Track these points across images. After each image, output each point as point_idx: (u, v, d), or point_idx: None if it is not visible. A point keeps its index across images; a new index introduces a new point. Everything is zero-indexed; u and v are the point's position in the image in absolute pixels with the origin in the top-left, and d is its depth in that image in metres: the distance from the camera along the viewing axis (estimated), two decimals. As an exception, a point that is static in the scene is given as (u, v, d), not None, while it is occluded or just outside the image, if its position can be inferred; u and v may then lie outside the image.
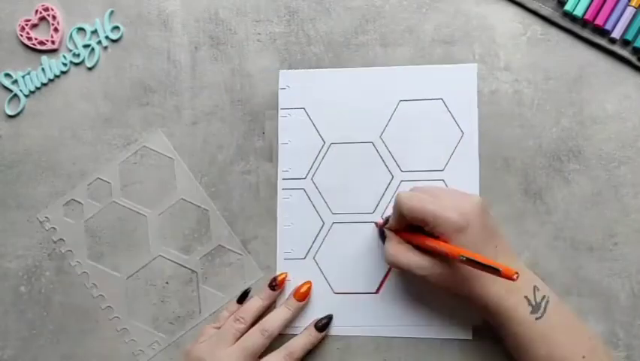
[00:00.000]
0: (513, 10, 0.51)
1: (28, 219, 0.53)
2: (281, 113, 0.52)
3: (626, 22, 0.49)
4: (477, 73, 0.51)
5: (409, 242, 0.45)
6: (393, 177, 0.51)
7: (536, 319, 0.42)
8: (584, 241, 0.50)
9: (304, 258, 0.51)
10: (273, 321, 0.48)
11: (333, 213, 0.51)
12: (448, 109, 0.50)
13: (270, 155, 0.52)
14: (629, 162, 0.50)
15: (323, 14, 0.53)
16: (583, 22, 0.50)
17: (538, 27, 0.51)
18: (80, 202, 0.53)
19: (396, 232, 0.46)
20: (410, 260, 0.44)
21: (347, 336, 0.50)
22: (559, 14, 0.50)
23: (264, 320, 0.49)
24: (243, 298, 0.50)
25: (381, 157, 0.51)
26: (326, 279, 0.51)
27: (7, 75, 0.54)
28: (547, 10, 0.51)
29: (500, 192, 0.50)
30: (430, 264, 0.43)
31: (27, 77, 0.53)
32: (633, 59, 0.50)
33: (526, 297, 0.43)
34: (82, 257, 0.52)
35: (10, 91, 0.54)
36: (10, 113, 0.54)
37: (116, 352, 0.52)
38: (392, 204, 0.49)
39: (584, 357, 0.42)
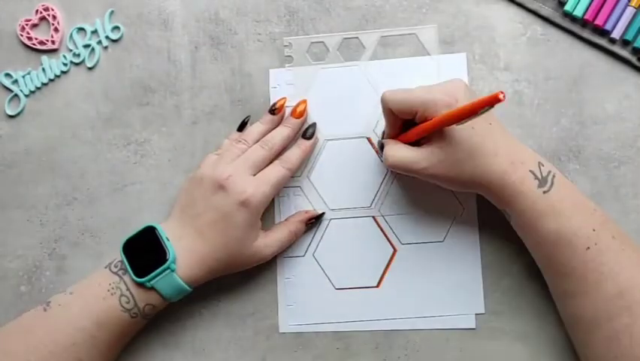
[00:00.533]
0: (513, 10, 0.51)
1: (28, 219, 0.53)
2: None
3: (626, 23, 0.49)
4: (467, 63, 0.51)
5: (406, 143, 0.45)
6: (388, 170, 0.51)
7: (544, 192, 0.42)
8: (584, 241, 0.50)
9: (304, 255, 0.51)
10: (273, 136, 0.49)
11: (331, 210, 0.51)
12: None
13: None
14: (629, 162, 0.50)
15: (323, 14, 0.53)
16: (583, 22, 0.50)
17: (538, 27, 0.51)
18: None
19: (393, 138, 0.47)
20: (409, 157, 0.44)
21: (347, 336, 0.50)
22: (559, 14, 0.51)
23: (264, 137, 0.49)
24: (242, 126, 0.51)
25: (376, 151, 0.51)
26: (327, 275, 0.51)
27: (8, 75, 0.54)
28: (547, 10, 0.51)
29: (500, 192, 0.50)
30: (429, 153, 0.43)
31: (27, 77, 0.54)
32: (633, 59, 0.50)
33: (531, 171, 0.42)
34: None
35: (11, 91, 0.54)
36: (10, 113, 0.54)
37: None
38: (387, 195, 0.50)
39: (594, 230, 0.41)
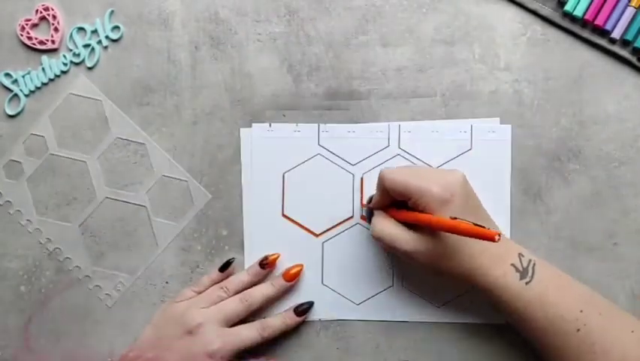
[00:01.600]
0: (513, 10, 0.51)
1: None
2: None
3: (626, 23, 0.49)
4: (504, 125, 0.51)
5: (394, 219, 0.45)
6: (353, 175, 0.51)
7: (526, 283, 0.42)
8: (584, 241, 0.50)
9: (315, 284, 0.51)
10: (255, 293, 0.49)
11: (318, 236, 0.51)
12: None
13: (270, 155, 0.52)
14: (629, 162, 0.50)
15: (323, 14, 0.53)
16: (583, 22, 0.50)
17: (538, 27, 0.51)
18: (18, 161, 0.53)
19: (382, 209, 0.46)
20: (396, 235, 0.44)
21: (347, 336, 0.50)
22: (559, 14, 0.50)
23: (247, 290, 0.49)
24: (225, 267, 0.51)
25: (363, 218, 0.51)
26: (344, 297, 0.51)
27: (7, 75, 0.54)
28: (547, 11, 0.51)
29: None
30: (416, 238, 0.43)
31: (27, 76, 0.53)
32: (633, 59, 0.50)
33: (512, 265, 0.43)
34: (31, 215, 0.53)
35: (10, 91, 0.54)
36: (10, 112, 0.54)
37: (116, 352, 0.52)
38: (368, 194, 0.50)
39: (581, 311, 0.42)
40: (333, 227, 0.51)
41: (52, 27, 0.53)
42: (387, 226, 0.44)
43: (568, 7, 0.50)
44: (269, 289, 0.49)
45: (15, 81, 0.54)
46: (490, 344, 0.49)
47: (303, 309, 0.50)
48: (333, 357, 0.50)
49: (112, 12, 0.53)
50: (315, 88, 0.52)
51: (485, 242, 0.41)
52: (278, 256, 0.50)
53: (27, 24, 0.53)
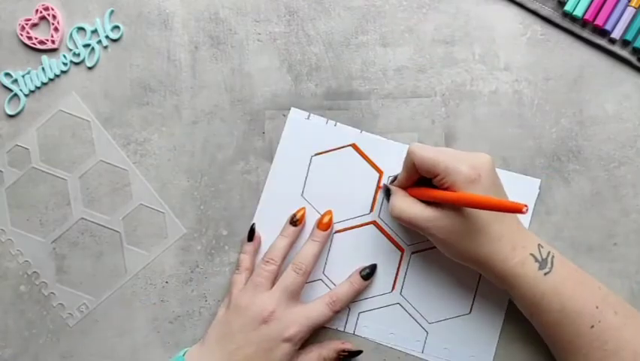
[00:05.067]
0: (513, 11, 0.51)
1: (28, 218, 0.53)
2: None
3: (626, 23, 0.49)
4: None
5: (416, 198, 0.45)
6: (379, 175, 0.51)
7: (545, 274, 0.42)
8: (584, 241, 0.50)
9: (317, 279, 0.51)
10: (304, 257, 0.48)
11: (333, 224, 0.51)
12: None
13: (271, 155, 0.52)
14: (629, 162, 0.50)
15: (323, 14, 0.53)
16: (583, 22, 0.50)
17: (538, 27, 0.51)
18: (0, 170, 0.53)
19: (403, 188, 0.46)
20: (416, 212, 0.43)
21: (347, 336, 0.50)
22: (559, 14, 0.50)
23: (295, 258, 0.49)
24: (251, 235, 0.50)
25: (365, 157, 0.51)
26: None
27: (7, 75, 0.54)
28: (547, 11, 0.51)
29: (500, 192, 0.50)
30: (436, 215, 0.43)
31: (27, 76, 0.53)
32: (633, 59, 0.50)
33: (531, 254, 0.43)
34: (5, 225, 0.53)
35: (10, 90, 0.54)
36: (10, 112, 0.54)
37: (116, 352, 0.52)
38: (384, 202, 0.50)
39: (597, 307, 0.42)
40: (347, 220, 0.51)
41: (52, 27, 0.53)
42: (407, 204, 0.44)
43: (568, 7, 0.50)
44: (314, 246, 0.49)
45: (15, 81, 0.54)
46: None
47: (368, 273, 0.49)
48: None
49: (112, 12, 0.53)
50: (315, 88, 0.52)
51: (505, 228, 0.41)
52: (304, 210, 0.50)
53: (27, 24, 0.53)
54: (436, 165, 0.42)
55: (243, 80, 0.53)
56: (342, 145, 0.51)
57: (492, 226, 0.42)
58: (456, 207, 0.42)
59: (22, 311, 0.53)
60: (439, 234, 0.43)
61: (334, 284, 0.50)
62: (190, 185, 0.52)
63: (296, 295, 0.48)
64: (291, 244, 0.50)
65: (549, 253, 0.43)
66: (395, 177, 0.49)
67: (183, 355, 0.48)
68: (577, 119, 0.50)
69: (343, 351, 0.49)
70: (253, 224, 0.51)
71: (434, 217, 0.43)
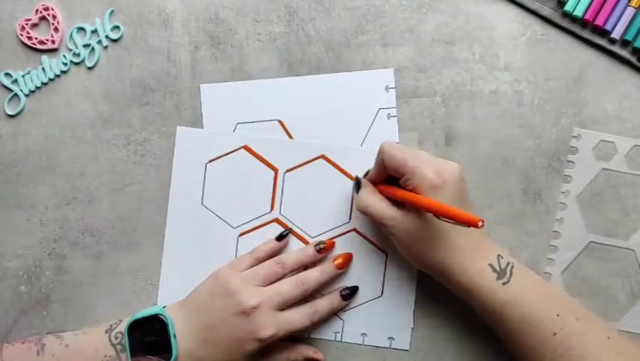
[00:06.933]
0: (513, 10, 0.51)
1: (28, 218, 0.53)
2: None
3: (626, 23, 0.49)
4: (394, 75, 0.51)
5: (384, 195, 0.46)
6: (275, 172, 0.51)
7: (504, 284, 0.42)
8: (584, 241, 0.50)
9: None
10: (310, 279, 0.48)
11: (312, 237, 0.51)
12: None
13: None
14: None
15: (323, 14, 0.53)
16: (583, 22, 0.50)
17: (538, 27, 0.51)
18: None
19: (373, 183, 0.47)
20: (381, 209, 0.44)
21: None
22: (559, 14, 0.50)
23: (301, 273, 0.49)
24: (281, 237, 0.50)
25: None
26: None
27: (7, 75, 0.54)
28: (547, 11, 0.51)
29: (500, 192, 0.50)
30: (398, 215, 0.44)
31: (27, 76, 0.53)
32: (633, 59, 0.50)
33: (490, 265, 0.43)
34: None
35: (10, 90, 0.54)
36: (10, 112, 0.54)
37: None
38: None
39: (558, 315, 0.42)
40: (250, 221, 0.51)
41: (52, 27, 0.53)
42: (373, 200, 0.45)
43: (568, 7, 0.50)
44: (323, 276, 0.49)
45: (15, 81, 0.53)
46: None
47: (348, 293, 0.50)
48: (332, 357, 0.50)
49: (112, 12, 0.53)
50: (315, 88, 0.52)
51: (465, 238, 0.42)
52: (334, 243, 0.50)
53: (27, 24, 0.53)
54: (403, 165, 0.43)
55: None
56: (233, 149, 0.52)
57: (452, 234, 0.43)
58: (420, 210, 0.43)
59: (22, 311, 0.53)
60: (400, 234, 0.44)
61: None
62: (190, 185, 0.52)
63: (285, 306, 0.47)
64: (306, 264, 0.50)
65: (508, 263, 0.43)
66: (367, 172, 0.49)
67: (163, 307, 0.48)
68: (577, 119, 0.50)
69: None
70: (288, 229, 0.51)
71: (397, 217, 0.44)
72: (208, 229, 0.51)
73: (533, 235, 0.50)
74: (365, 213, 0.45)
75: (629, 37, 0.49)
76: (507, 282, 0.43)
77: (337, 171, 0.51)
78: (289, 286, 0.47)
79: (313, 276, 0.48)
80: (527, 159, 0.50)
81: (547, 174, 0.50)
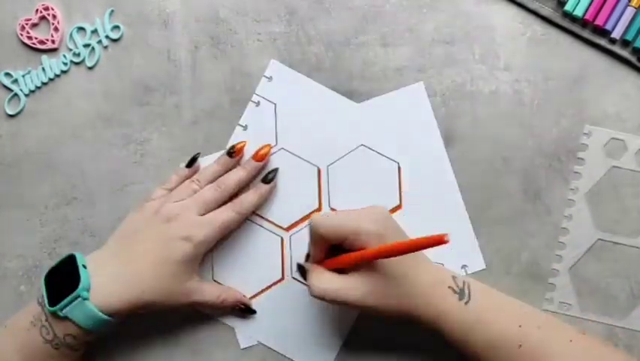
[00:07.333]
0: (513, 10, 0.51)
1: (28, 218, 0.53)
2: (254, 97, 0.52)
3: (626, 23, 0.49)
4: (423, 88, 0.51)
5: (332, 269, 0.44)
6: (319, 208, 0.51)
7: (466, 303, 0.42)
8: (584, 241, 0.50)
9: (283, 279, 0.51)
10: (229, 178, 0.49)
11: (285, 228, 0.51)
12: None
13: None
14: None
15: (323, 14, 0.53)
16: (583, 22, 0.50)
17: (538, 27, 0.51)
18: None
19: (317, 263, 0.45)
20: (338, 285, 0.42)
21: (347, 335, 0.50)
22: (559, 14, 0.51)
23: (220, 178, 0.49)
24: (191, 162, 0.51)
25: (319, 186, 0.51)
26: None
27: (7, 74, 0.54)
28: (547, 10, 0.51)
29: (500, 192, 0.50)
30: (358, 283, 0.42)
31: (27, 76, 0.53)
32: (633, 59, 0.50)
33: (450, 287, 0.43)
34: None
35: (10, 90, 0.54)
36: (10, 112, 0.54)
37: (115, 351, 0.52)
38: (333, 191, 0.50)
39: (520, 326, 0.42)
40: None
41: (52, 27, 0.53)
42: (325, 281, 0.43)
43: (568, 7, 0.50)
44: (241, 172, 0.49)
45: (15, 81, 0.54)
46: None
47: (271, 177, 0.50)
48: (333, 357, 0.50)
49: (112, 12, 0.54)
50: (315, 88, 0.52)
51: (420, 271, 0.42)
52: (245, 144, 0.50)
53: (27, 24, 0.53)
54: (344, 230, 0.42)
55: (242, 80, 0.53)
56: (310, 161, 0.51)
57: (409, 272, 0.42)
58: (371, 266, 0.42)
59: (22, 311, 0.53)
60: (366, 301, 0.42)
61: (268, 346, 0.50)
62: (190, 185, 0.52)
63: (207, 208, 0.47)
64: (222, 173, 0.50)
65: (464, 282, 0.43)
66: (308, 254, 0.48)
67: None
68: (577, 119, 0.50)
69: (242, 304, 0.50)
70: (198, 153, 0.51)
71: (356, 285, 0.42)
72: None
73: (533, 235, 0.50)
74: (325, 298, 0.42)
75: (629, 37, 0.49)
76: (468, 300, 0.42)
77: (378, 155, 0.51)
78: (208, 191, 0.48)
79: (231, 175, 0.49)
80: (527, 159, 0.50)
81: (548, 174, 0.50)
